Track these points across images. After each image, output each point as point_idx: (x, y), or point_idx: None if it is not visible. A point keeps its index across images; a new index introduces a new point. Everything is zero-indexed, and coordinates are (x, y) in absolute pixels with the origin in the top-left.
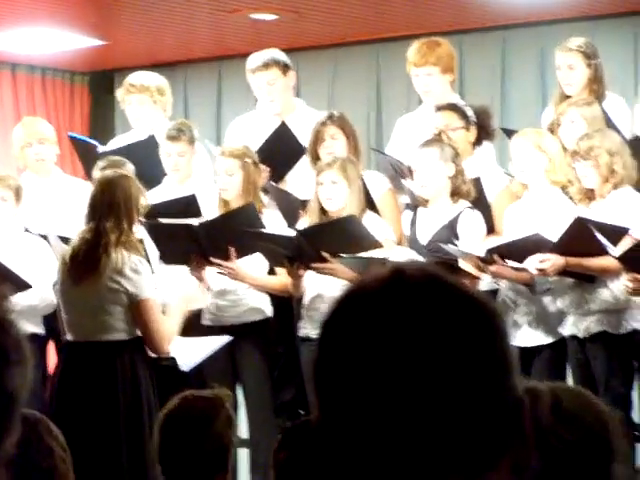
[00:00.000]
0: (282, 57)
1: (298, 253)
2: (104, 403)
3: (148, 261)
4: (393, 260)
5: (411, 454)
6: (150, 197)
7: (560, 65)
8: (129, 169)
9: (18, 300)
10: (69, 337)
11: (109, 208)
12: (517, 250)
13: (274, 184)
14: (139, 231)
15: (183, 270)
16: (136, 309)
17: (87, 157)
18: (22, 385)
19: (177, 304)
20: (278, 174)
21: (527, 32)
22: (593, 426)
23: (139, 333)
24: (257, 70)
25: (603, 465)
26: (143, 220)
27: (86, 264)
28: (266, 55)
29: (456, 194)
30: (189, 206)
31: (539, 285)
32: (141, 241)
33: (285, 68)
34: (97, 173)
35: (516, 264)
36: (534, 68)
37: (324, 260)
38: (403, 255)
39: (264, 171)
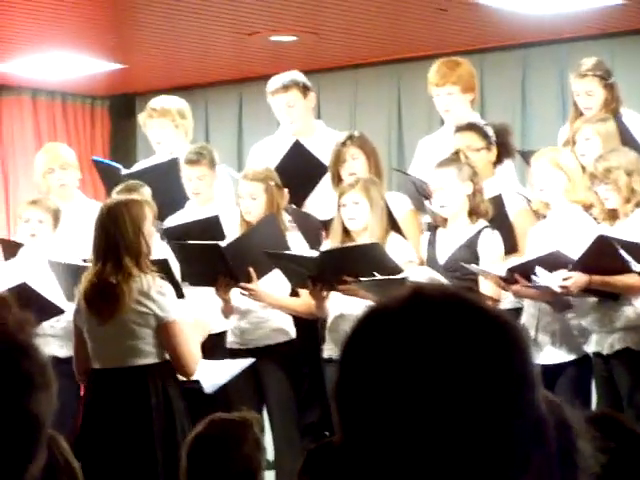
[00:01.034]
0: (302, 79)
1: (321, 274)
2: (138, 430)
3: (175, 281)
4: (413, 280)
5: (434, 473)
6: (173, 221)
7: (578, 92)
8: (145, 192)
9: (54, 324)
10: (96, 365)
11: (105, 248)
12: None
13: (294, 206)
14: (156, 251)
15: (201, 292)
16: (164, 331)
17: (110, 181)
18: (48, 409)
19: (193, 328)
20: (300, 194)
21: (547, 50)
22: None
23: (168, 356)
24: (277, 92)
25: (570, 443)
26: (168, 241)
27: (107, 306)
28: (286, 77)
29: (474, 213)
30: (212, 227)
31: (560, 301)
32: (164, 262)
33: (305, 90)
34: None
35: (544, 273)
36: (555, 86)
37: (346, 282)
38: (423, 275)
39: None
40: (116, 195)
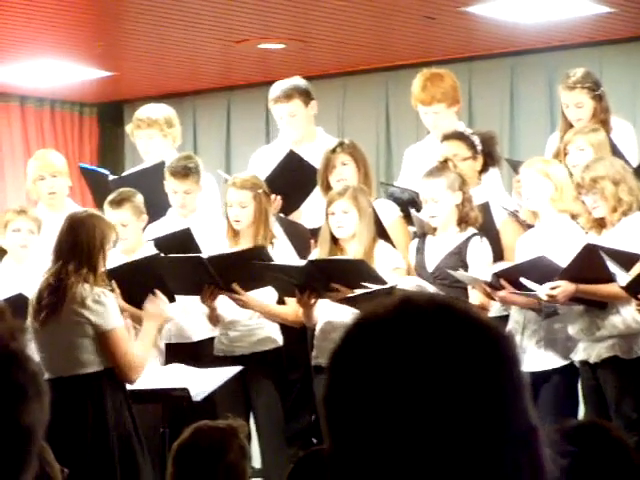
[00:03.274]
0: (304, 87)
1: (308, 282)
2: (73, 438)
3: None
4: (402, 288)
5: None
6: (154, 230)
7: (567, 103)
8: (139, 200)
9: None
10: (46, 376)
11: (71, 250)
12: (523, 274)
13: (283, 216)
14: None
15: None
16: (102, 340)
17: (98, 187)
18: (40, 420)
19: (146, 325)
20: (293, 201)
21: (536, 58)
22: None
23: (111, 364)
24: (278, 101)
25: None
26: (152, 254)
27: (48, 308)
28: (288, 85)
29: (464, 222)
30: (185, 239)
31: (546, 308)
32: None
33: (307, 98)
34: (106, 207)
35: (531, 284)
36: (543, 94)
37: (335, 289)
38: (412, 284)
39: (275, 201)
40: (108, 205)
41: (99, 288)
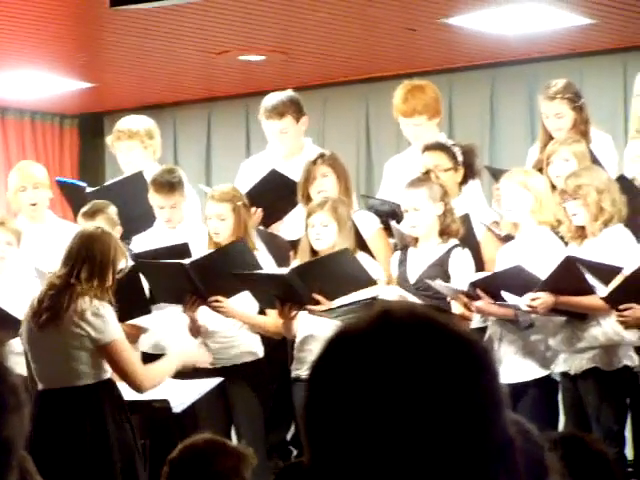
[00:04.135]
0: (296, 103)
1: (290, 293)
2: (72, 450)
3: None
4: (382, 299)
5: None
6: (142, 241)
7: (547, 114)
8: (111, 212)
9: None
10: (40, 386)
11: (83, 260)
12: (499, 283)
13: (262, 228)
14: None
15: (167, 313)
16: (104, 353)
17: (76, 200)
18: (20, 431)
19: (177, 353)
20: (275, 216)
21: (516, 70)
22: (528, 446)
23: (106, 376)
24: (270, 117)
25: (541, 465)
26: (135, 259)
27: (50, 310)
28: (281, 101)
29: (445, 233)
30: (182, 254)
31: (523, 319)
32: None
33: (299, 114)
34: (80, 219)
35: (511, 296)
36: (523, 106)
37: (317, 301)
38: (393, 294)
39: (255, 214)
40: (81, 217)
41: (98, 301)
